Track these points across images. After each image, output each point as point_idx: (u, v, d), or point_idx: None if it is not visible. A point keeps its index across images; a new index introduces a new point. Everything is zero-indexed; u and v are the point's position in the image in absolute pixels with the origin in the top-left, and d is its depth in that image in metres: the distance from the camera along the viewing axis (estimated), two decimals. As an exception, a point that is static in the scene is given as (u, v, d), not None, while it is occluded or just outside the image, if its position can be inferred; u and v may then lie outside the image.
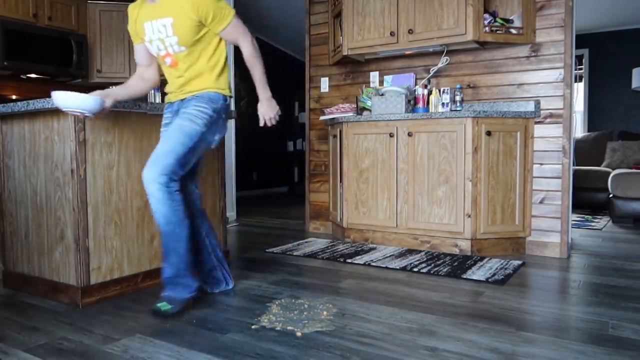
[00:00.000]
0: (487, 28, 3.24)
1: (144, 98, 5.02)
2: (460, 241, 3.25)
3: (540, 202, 3.28)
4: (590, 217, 5.06)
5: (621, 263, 3.04)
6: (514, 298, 2.32)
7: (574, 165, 5.48)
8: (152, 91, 2.73)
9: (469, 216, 3.17)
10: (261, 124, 2.28)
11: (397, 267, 2.90)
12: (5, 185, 2.53)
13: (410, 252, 3.30)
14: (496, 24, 3.27)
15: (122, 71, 4.74)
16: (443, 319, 2.04)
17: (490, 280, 2.60)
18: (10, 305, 2.25)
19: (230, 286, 2.46)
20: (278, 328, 1.93)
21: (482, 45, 3.42)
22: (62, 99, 1.93)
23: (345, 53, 3.73)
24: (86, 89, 5.02)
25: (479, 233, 3.19)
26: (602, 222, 4.73)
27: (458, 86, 3.35)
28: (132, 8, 2.22)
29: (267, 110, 2.28)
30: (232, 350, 1.73)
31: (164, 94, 5.14)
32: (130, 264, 2.43)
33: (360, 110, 3.78)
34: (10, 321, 2.04)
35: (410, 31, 3.42)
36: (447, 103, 3.33)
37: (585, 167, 5.72)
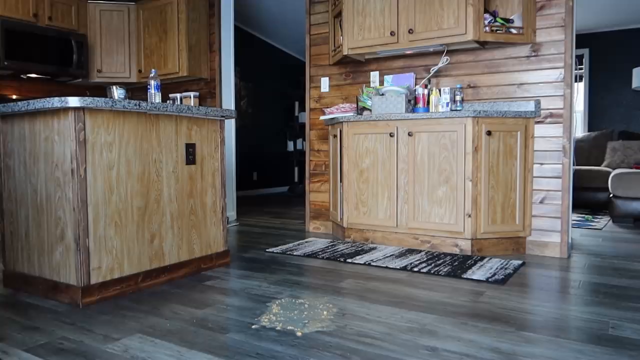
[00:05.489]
0: (487, 28, 3.24)
1: (144, 98, 5.02)
2: (460, 241, 3.25)
3: (541, 202, 3.29)
4: (590, 216, 5.06)
5: (621, 263, 3.04)
6: (514, 298, 2.32)
7: (574, 165, 5.50)
8: (152, 91, 2.73)
9: (469, 216, 3.17)
10: None
11: (398, 267, 2.90)
12: (6, 185, 2.53)
13: (411, 251, 3.30)
14: (496, 23, 3.27)
15: (122, 71, 4.75)
16: (443, 318, 2.04)
17: (490, 280, 2.60)
18: (10, 305, 2.25)
19: None
20: (278, 328, 1.93)
21: (483, 45, 3.42)
22: None
23: (345, 53, 3.73)
24: (86, 88, 5.04)
25: (479, 233, 3.19)
26: (602, 221, 4.73)
27: (458, 86, 3.35)
28: None
29: None
30: (232, 350, 1.73)
31: (164, 94, 5.15)
32: (130, 263, 2.43)
33: (360, 110, 3.79)
34: (10, 321, 2.04)
35: (410, 31, 3.42)
36: (448, 103, 3.33)
37: (586, 166, 5.72)
